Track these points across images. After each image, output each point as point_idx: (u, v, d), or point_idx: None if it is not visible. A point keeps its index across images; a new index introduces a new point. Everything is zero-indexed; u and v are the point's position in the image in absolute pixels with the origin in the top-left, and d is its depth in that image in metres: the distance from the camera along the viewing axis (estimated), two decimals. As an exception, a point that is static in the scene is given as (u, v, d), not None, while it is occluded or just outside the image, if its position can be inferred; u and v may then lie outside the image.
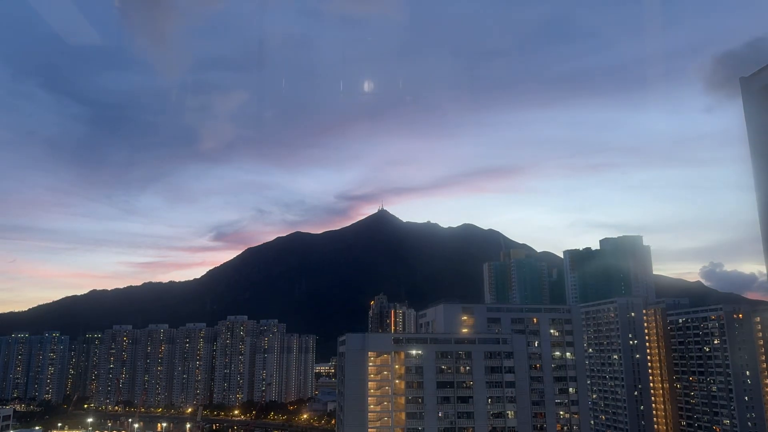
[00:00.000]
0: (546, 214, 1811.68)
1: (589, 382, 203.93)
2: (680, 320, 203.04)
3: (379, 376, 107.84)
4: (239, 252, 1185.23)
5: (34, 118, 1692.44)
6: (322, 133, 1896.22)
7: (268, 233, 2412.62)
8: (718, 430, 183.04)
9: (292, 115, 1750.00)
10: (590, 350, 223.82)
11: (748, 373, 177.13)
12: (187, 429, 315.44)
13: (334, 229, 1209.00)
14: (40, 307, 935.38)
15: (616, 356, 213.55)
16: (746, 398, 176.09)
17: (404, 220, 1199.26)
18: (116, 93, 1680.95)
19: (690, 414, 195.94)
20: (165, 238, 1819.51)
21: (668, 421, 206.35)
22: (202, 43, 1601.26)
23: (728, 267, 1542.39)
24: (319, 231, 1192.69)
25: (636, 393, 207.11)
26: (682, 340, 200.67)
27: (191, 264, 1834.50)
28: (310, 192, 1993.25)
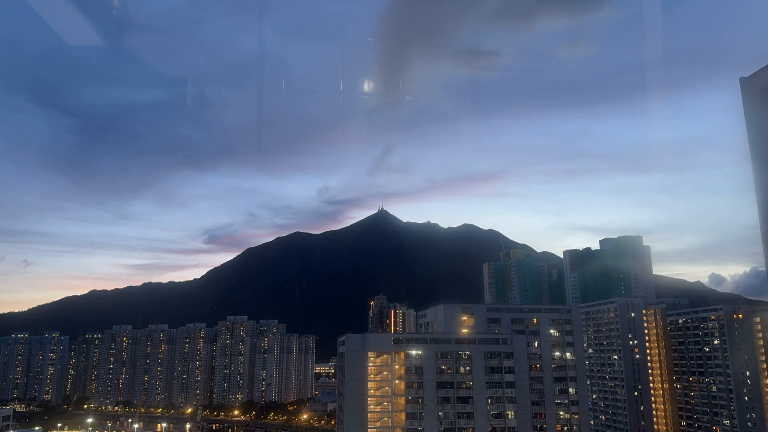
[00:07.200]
0: (536, 216, 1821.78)
1: (589, 382, 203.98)
2: (680, 320, 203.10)
3: (379, 376, 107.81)
4: (233, 254, 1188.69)
5: (26, 130, 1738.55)
6: (312, 139, 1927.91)
7: (259, 236, 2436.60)
8: (718, 430, 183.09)
9: (282, 122, 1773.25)
10: (590, 350, 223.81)
11: (748, 373, 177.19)
12: (187, 429, 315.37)
13: (333, 229, 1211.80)
14: (39, 307, 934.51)
15: (616, 356, 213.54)
16: (746, 398, 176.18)
17: (404, 221, 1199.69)
18: (103, 105, 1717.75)
19: (690, 414, 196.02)
20: (159, 241, 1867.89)
21: (668, 421, 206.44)
22: (191, 56, 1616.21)
23: (727, 268, 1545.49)
24: (314, 232, 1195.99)
25: (636, 393, 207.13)
26: (682, 340, 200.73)
27: (186, 266, 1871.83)
28: (299, 196, 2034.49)
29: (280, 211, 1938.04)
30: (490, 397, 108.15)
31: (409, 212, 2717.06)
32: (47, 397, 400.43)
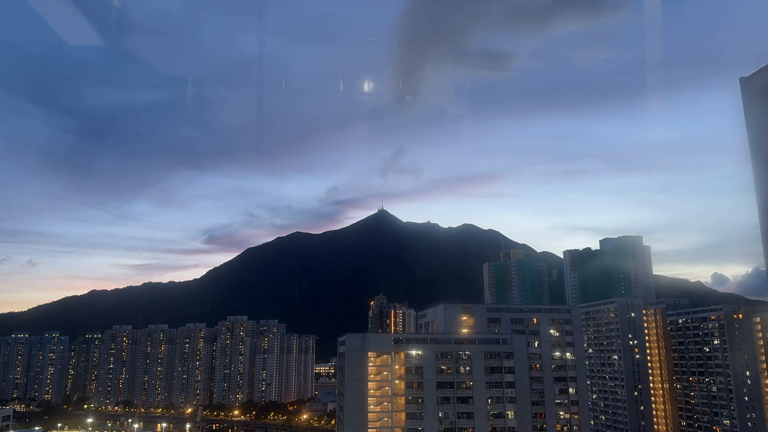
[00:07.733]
0: (536, 217, 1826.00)
1: (589, 382, 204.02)
2: (680, 320, 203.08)
3: (379, 376, 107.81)
4: (232, 254, 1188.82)
5: (26, 130, 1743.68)
6: (312, 140, 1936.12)
7: (259, 236, 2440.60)
8: (718, 430, 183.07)
9: (281, 122, 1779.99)
10: (590, 350, 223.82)
11: (748, 373, 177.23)
12: (187, 429, 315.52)
13: (333, 229, 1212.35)
14: (39, 307, 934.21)
15: (616, 356, 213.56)
16: (746, 398, 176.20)
17: (404, 221, 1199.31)
18: (103, 106, 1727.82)
19: (690, 414, 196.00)
20: (159, 241, 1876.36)
21: (668, 421, 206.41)
22: (190, 57, 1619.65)
23: (727, 268, 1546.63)
24: (314, 232, 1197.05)
25: (636, 393, 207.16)
26: (682, 340, 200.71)
27: (186, 266, 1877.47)
28: (298, 197, 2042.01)
29: (280, 211, 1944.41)
30: (490, 397, 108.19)
31: (409, 212, 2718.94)
32: (47, 397, 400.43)
